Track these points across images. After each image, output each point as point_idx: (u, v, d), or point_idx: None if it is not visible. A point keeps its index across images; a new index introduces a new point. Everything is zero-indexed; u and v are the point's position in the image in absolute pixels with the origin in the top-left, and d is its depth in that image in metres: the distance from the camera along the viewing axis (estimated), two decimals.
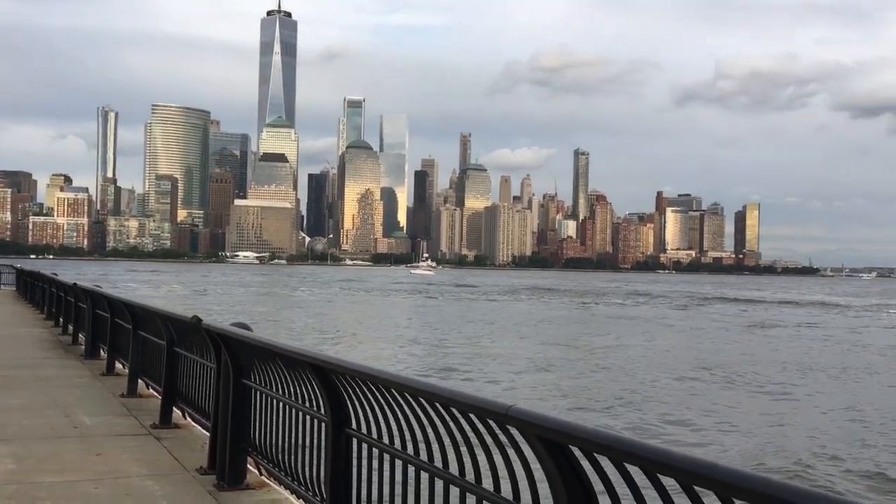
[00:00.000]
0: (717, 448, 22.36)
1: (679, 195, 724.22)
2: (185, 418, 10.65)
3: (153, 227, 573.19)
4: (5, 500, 7.18)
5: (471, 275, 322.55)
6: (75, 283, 19.86)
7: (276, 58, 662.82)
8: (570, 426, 3.38)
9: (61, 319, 23.62)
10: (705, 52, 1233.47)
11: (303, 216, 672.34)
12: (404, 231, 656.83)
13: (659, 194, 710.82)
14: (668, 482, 3.02)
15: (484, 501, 4.32)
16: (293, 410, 6.95)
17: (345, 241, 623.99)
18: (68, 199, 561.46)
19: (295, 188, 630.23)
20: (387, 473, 5.33)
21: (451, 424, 4.47)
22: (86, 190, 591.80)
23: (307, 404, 6.59)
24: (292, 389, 6.93)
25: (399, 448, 5.17)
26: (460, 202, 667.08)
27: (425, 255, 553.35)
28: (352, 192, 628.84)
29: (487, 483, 4.34)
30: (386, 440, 5.34)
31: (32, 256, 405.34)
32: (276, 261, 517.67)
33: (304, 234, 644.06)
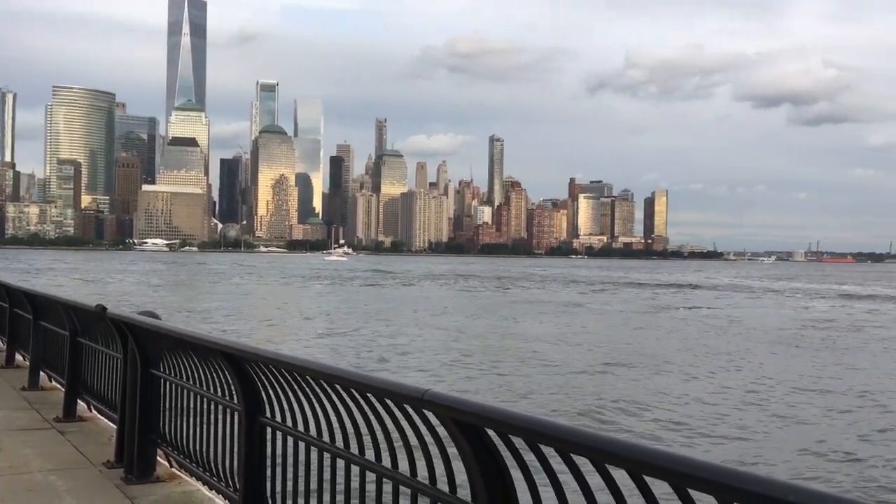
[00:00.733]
0: (626, 427, 23.02)
1: (591, 182, 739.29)
2: (91, 411, 10.28)
3: (55, 213, 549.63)
4: None
5: (388, 261, 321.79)
6: None
7: (185, 39, 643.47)
8: (485, 408, 3.40)
9: None
10: (616, 42, 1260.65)
11: (215, 202, 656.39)
12: (320, 217, 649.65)
13: (572, 181, 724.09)
14: (581, 461, 3.08)
15: (401, 486, 4.32)
16: (205, 400, 6.79)
17: (259, 227, 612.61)
18: None
19: (206, 173, 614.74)
20: (302, 461, 5.27)
21: (367, 410, 4.44)
22: None
23: (219, 394, 6.45)
24: (204, 379, 6.77)
25: (314, 436, 5.11)
26: (376, 188, 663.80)
27: (341, 241, 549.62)
28: (266, 178, 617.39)
29: (404, 467, 4.33)
30: (301, 428, 5.27)
31: None
32: (188, 248, 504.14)
33: (216, 221, 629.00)
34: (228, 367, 5.99)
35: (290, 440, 5.41)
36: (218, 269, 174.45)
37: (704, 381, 33.00)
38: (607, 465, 2.96)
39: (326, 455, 5.00)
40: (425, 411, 3.88)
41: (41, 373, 12.44)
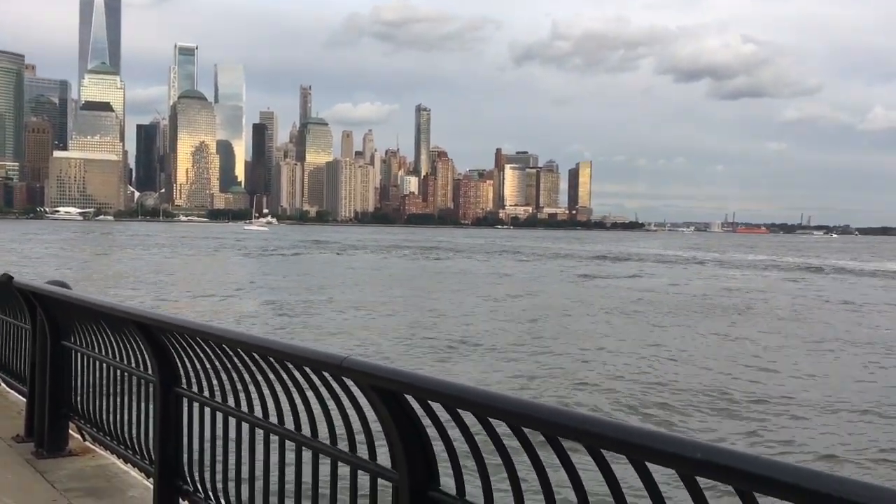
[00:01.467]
0: (544, 391, 23.50)
1: (517, 153, 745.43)
2: None
3: None
4: None
5: (314, 231, 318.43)
6: None
7: None
8: (404, 374, 3.39)
9: None
10: (544, 12, 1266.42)
11: (131, 169, 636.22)
12: (242, 186, 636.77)
13: (498, 151, 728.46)
14: (498, 425, 3.11)
15: (321, 455, 4.28)
16: (118, 372, 6.61)
17: (178, 196, 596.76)
18: None
19: (122, 140, 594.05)
20: (220, 433, 5.17)
21: (286, 378, 4.38)
22: None
23: (133, 364, 6.28)
24: (117, 350, 6.58)
25: (232, 406, 5.02)
26: (301, 157, 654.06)
27: (265, 210, 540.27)
28: (185, 145, 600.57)
29: (323, 436, 4.30)
30: (219, 398, 5.17)
31: None
32: (103, 217, 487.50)
33: (133, 189, 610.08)
34: (142, 337, 5.83)
35: (207, 411, 5.31)
36: (134, 239, 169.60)
37: (621, 346, 33.88)
38: (524, 429, 3.00)
39: (245, 425, 4.92)
40: (344, 379, 3.85)
41: None
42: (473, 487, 3.46)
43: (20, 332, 8.58)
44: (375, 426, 3.91)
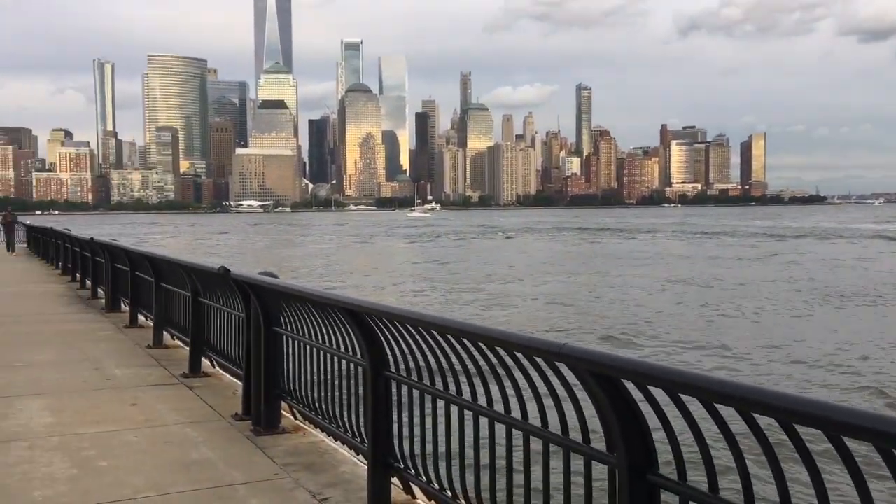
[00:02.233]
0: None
1: (684, 128, 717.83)
2: (214, 367, 10.81)
3: (156, 179, 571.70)
4: (50, 451, 7.35)
5: (477, 216, 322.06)
6: (92, 238, 19.95)
7: (271, 2, 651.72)
8: (624, 360, 3.45)
9: (78, 274, 23.79)
10: None
11: (305, 162, 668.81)
12: (407, 174, 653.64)
13: (663, 127, 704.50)
14: (726, 411, 3.10)
15: (531, 436, 4.42)
16: (327, 355, 7.05)
17: (348, 186, 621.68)
18: (70, 154, 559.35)
19: (296, 135, 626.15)
20: (429, 413, 5.44)
21: (496, 362, 4.55)
22: (87, 144, 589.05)
23: (342, 349, 6.69)
24: (324, 334, 7.03)
25: (441, 389, 5.26)
26: (462, 143, 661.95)
27: (429, 197, 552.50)
28: (353, 137, 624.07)
29: (535, 420, 4.43)
30: (427, 381, 5.43)
31: (38, 212, 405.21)
32: (280, 208, 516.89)
33: (307, 181, 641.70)
34: (351, 322, 6.19)
35: (415, 393, 5.59)
36: (313, 228, 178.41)
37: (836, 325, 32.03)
38: (753, 414, 2.97)
39: (454, 407, 5.14)
40: (558, 364, 3.95)
41: (164, 332, 13.11)
42: (696, 475, 3.47)
43: (234, 319, 9.34)
44: (587, 410, 4.00)
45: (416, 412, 5.57)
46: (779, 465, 3.03)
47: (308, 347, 7.43)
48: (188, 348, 11.30)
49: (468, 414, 5.00)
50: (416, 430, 5.60)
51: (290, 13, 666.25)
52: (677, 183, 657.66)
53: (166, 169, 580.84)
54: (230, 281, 8.64)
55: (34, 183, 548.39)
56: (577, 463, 4.05)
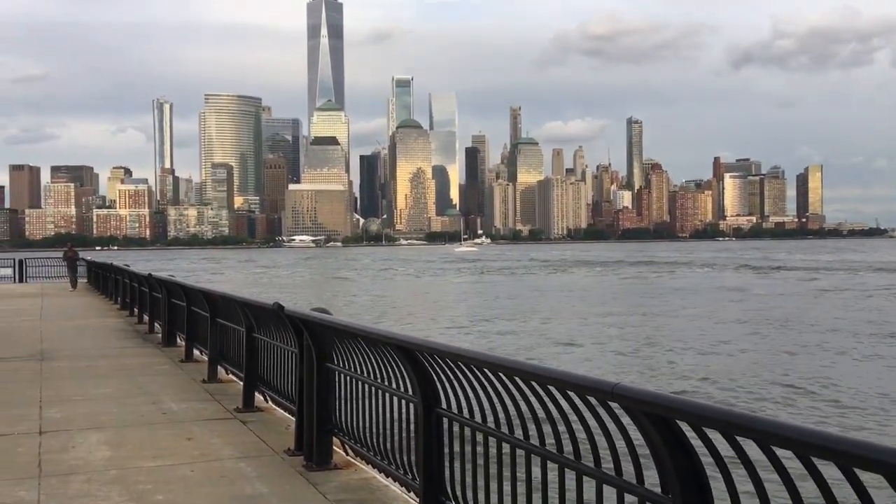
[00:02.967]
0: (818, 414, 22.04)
1: (737, 160, 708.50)
2: (267, 402, 10.93)
3: (211, 214, 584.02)
4: (108, 484, 7.50)
5: (526, 249, 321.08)
6: (150, 274, 20.44)
7: (324, 41, 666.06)
8: (678, 401, 3.41)
9: (136, 309, 24.35)
10: (762, 12, 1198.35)
11: (356, 198, 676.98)
12: (457, 208, 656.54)
13: (716, 160, 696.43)
14: (783, 454, 3.04)
15: (584, 476, 4.38)
16: (378, 392, 7.09)
17: (398, 220, 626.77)
18: (129, 191, 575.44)
19: (347, 170, 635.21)
20: (481, 452, 5.42)
21: (548, 402, 4.53)
22: (145, 181, 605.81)
23: (393, 385, 6.72)
24: (376, 371, 7.08)
25: (493, 426, 5.25)
26: (512, 177, 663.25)
27: (479, 230, 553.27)
28: (403, 172, 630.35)
29: (587, 460, 4.39)
30: (478, 419, 5.42)
31: (98, 248, 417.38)
32: (332, 243, 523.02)
33: (358, 216, 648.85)
34: (403, 359, 6.24)
35: (467, 431, 5.59)
36: (363, 263, 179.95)
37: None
38: (813, 459, 2.91)
39: (505, 445, 5.12)
40: (611, 404, 3.93)
41: (219, 366, 13.32)
42: None
43: (287, 355, 9.46)
44: (641, 450, 3.96)
45: (468, 450, 5.57)
46: None
47: (359, 383, 7.49)
48: (242, 383, 11.45)
49: (520, 452, 4.98)
50: (468, 468, 5.59)
51: (342, 52, 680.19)
52: (731, 216, 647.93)
53: (221, 205, 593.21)
54: (284, 317, 8.77)
55: (95, 219, 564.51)
56: (632, 501, 4.00)
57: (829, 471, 2.89)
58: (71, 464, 8.23)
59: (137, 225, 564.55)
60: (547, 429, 4.71)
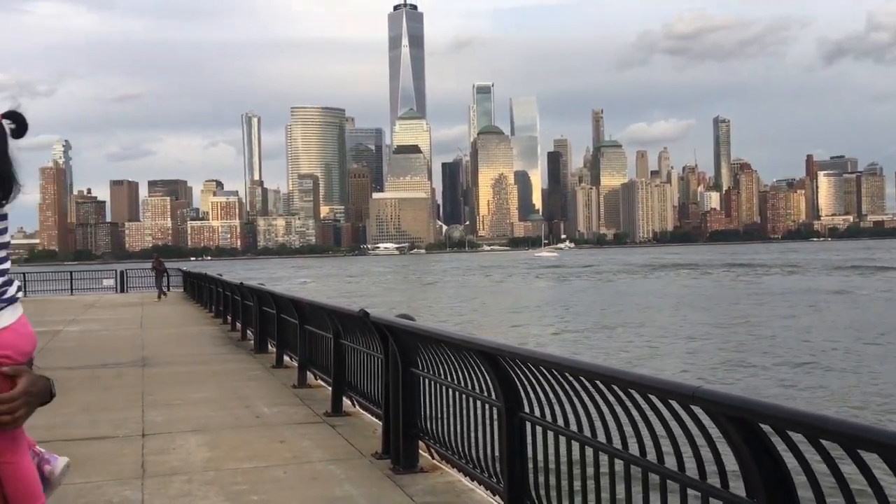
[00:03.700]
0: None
1: (831, 158, 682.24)
2: (354, 406, 11.20)
3: (298, 224, 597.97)
4: (207, 485, 7.85)
5: (609, 254, 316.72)
6: (241, 283, 21.15)
7: (405, 51, 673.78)
8: (760, 404, 3.40)
9: (229, 317, 25.22)
10: (854, 4, 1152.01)
11: (439, 205, 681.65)
12: (540, 213, 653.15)
13: (809, 158, 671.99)
14: (870, 457, 3.00)
15: (668, 480, 4.39)
16: (462, 396, 7.22)
17: (481, 227, 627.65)
18: (221, 203, 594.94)
19: (430, 178, 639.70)
20: (563, 455, 5.47)
21: (630, 405, 4.56)
22: (235, 193, 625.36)
23: (477, 389, 6.83)
24: (459, 375, 7.20)
25: (575, 430, 5.29)
26: (596, 180, 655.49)
27: (563, 235, 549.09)
28: (485, 178, 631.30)
29: (670, 463, 4.40)
30: (561, 423, 5.48)
31: (192, 258, 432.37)
32: (416, 250, 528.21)
33: (440, 223, 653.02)
34: (486, 364, 6.35)
35: (550, 434, 5.65)
36: (446, 269, 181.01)
37: None
38: None
39: (588, 449, 5.16)
40: (693, 407, 3.93)
41: (308, 372, 13.70)
42: None
43: (373, 360, 9.69)
44: (725, 453, 3.95)
45: (551, 453, 5.62)
46: None
47: (443, 388, 7.63)
48: (330, 388, 11.76)
49: (603, 457, 5.01)
50: (552, 471, 5.64)
51: (423, 61, 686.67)
52: (826, 215, 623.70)
53: (308, 214, 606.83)
54: (369, 323, 8.99)
55: (189, 231, 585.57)
56: None
57: None
58: (172, 465, 8.63)
59: (229, 235, 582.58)
60: (629, 431, 4.73)
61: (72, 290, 54.05)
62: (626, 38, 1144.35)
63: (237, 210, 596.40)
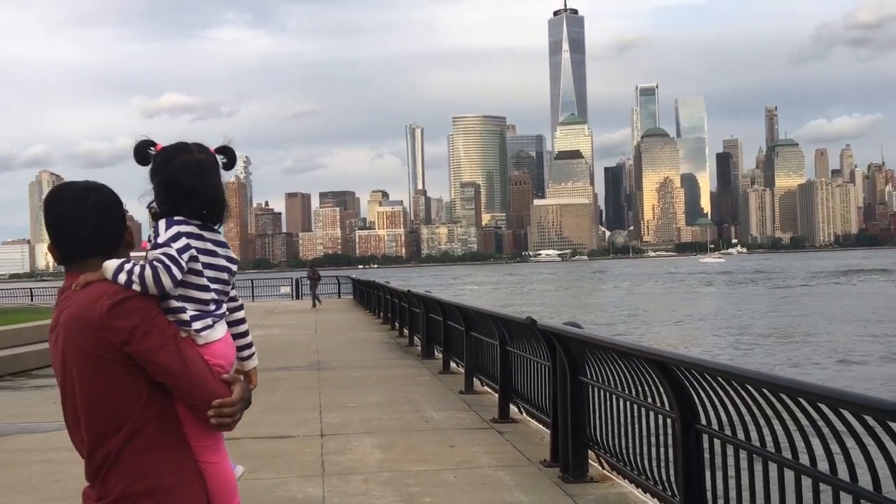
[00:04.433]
0: None
1: None
2: (521, 413, 11.23)
3: (461, 232, 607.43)
4: (382, 485, 8.14)
5: (785, 260, 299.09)
6: (409, 291, 21.77)
7: (565, 56, 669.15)
8: None
9: (396, 323, 26.02)
10: None
11: (601, 210, 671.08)
12: (709, 217, 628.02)
13: None
14: None
15: (862, 500, 4.11)
16: (632, 405, 7.07)
17: (646, 232, 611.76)
18: (386, 213, 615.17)
19: (592, 183, 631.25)
20: (744, 471, 5.24)
21: (819, 420, 4.31)
22: (400, 203, 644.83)
23: (648, 399, 6.68)
24: (630, 384, 7.07)
25: (757, 444, 5.06)
26: (769, 182, 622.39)
27: (734, 240, 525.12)
28: (650, 182, 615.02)
29: (864, 482, 4.12)
30: (741, 436, 5.25)
31: (360, 266, 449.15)
32: (578, 257, 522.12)
33: (603, 228, 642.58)
34: (658, 373, 6.19)
35: (729, 449, 5.42)
36: (610, 275, 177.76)
37: None
38: None
39: (772, 465, 4.92)
40: (891, 423, 3.67)
41: (474, 378, 13.89)
42: None
43: (540, 368, 9.69)
44: None
45: (731, 467, 5.40)
46: None
47: (613, 397, 7.51)
48: (496, 394, 11.86)
49: (788, 473, 4.76)
50: (732, 487, 5.42)
51: (583, 65, 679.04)
52: None
53: (470, 222, 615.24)
54: (536, 331, 9.01)
55: (357, 240, 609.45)
56: None
57: None
58: (349, 465, 9.02)
59: (394, 244, 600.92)
60: (815, 445, 4.47)
61: (253, 296, 57.63)
62: (802, 31, 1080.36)
63: (402, 219, 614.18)
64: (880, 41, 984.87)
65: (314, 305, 44.06)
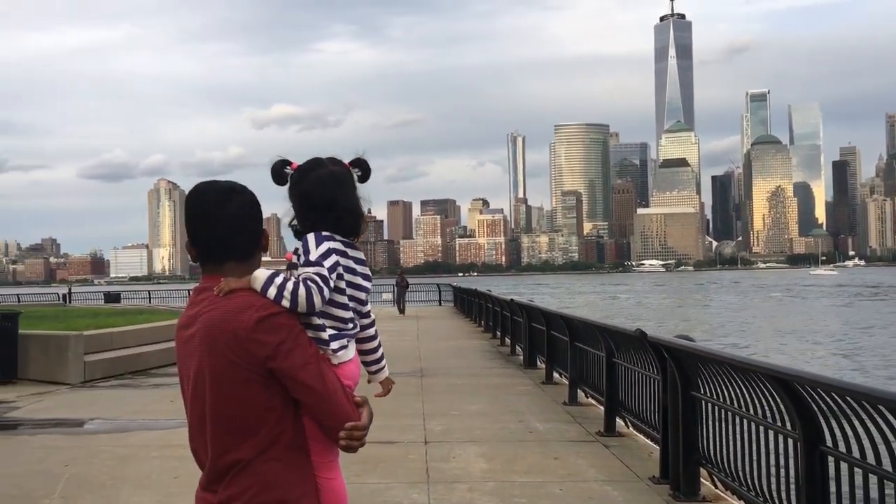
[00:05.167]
0: None
1: None
2: (627, 427, 10.97)
3: (561, 241, 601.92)
4: (487, 495, 8.10)
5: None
6: (512, 300, 21.69)
7: (672, 62, 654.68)
8: None
9: (498, 332, 25.96)
10: None
11: (708, 220, 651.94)
12: (824, 228, 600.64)
13: None
14: None
15: None
16: (749, 423, 6.79)
17: (755, 243, 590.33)
18: (486, 221, 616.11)
19: (698, 192, 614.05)
20: (874, 497, 4.94)
21: None
22: (501, 211, 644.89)
23: (768, 418, 6.40)
24: (746, 401, 6.79)
25: (889, 469, 4.76)
26: (890, 191, 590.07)
27: (850, 252, 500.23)
28: (760, 191, 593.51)
29: None
30: (872, 461, 4.95)
31: (460, 274, 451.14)
32: (682, 267, 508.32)
33: (710, 239, 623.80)
34: (779, 391, 5.92)
35: (858, 473, 5.13)
36: (717, 287, 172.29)
37: None
38: None
39: None
40: None
41: (578, 389, 13.68)
42: None
43: (649, 381, 9.44)
44: None
45: (860, 493, 5.10)
46: None
47: (728, 414, 7.23)
48: (601, 407, 11.64)
49: None
50: None
51: (691, 71, 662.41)
52: None
53: (571, 231, 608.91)
54: (646, 343, 8.79)
55: (457, 248, 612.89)
56: None
57: None
58: (453, 473, 9.02)
59: (494, 252, 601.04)
60: None
61: None
62: None
63: (502, 227, 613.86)
64: None
65: (401, 312, 43.71)
